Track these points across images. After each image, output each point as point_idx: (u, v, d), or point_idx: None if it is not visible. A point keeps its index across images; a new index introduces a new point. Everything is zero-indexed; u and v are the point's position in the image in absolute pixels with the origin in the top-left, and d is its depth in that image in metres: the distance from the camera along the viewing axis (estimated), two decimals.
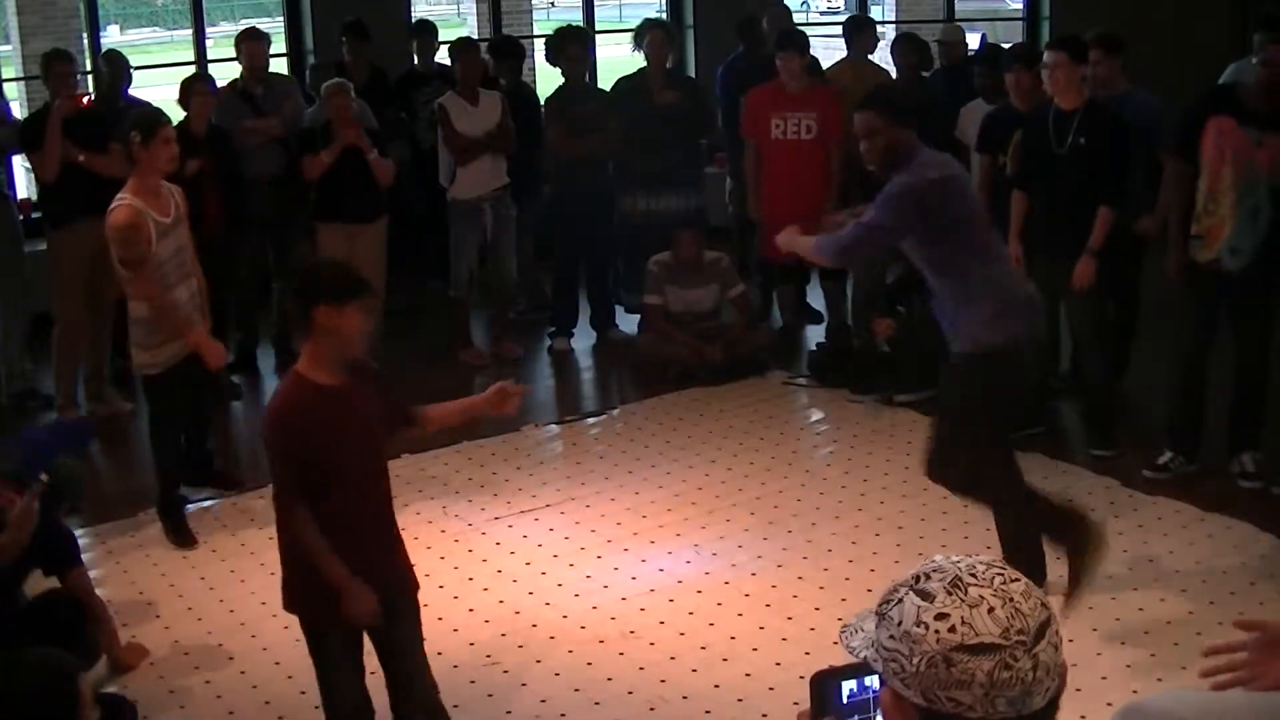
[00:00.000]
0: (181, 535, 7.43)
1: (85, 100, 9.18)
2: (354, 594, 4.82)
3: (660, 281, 9.92)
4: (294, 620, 5.83)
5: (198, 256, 7.60)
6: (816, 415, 9.12)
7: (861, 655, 2.16)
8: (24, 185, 11.21)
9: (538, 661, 6.15)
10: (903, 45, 10.96)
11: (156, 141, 7.23)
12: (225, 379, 8.70)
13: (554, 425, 9.17)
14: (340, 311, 4.76)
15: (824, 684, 2.25)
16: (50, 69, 9.27)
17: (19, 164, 10.75)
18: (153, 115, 7.67)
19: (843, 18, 16.71)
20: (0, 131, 9.51)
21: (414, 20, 12.78)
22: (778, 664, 6.03)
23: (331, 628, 4.96)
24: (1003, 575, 2.08)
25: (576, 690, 5.90)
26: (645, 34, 10.72)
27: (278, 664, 6.11)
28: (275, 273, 10.36)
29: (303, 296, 4.83)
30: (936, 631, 2.03)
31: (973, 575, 2.07)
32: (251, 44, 10.48)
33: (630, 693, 5.87)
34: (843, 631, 2.23)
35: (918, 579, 2.10)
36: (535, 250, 11.44)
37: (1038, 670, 2.03)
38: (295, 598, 5.05)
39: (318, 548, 4.81)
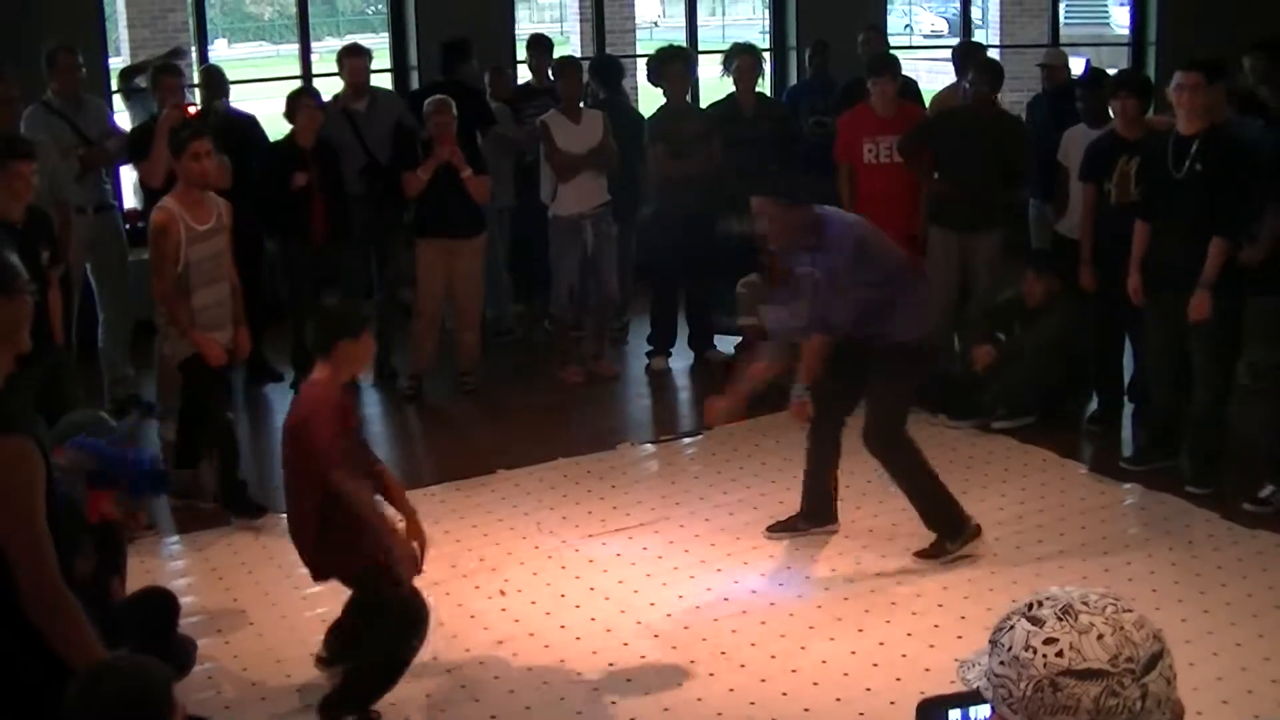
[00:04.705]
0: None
1: (192, 110, 9.31)
2: (401, 542, 5.73)
3: (752, 303, 9.88)
4: None
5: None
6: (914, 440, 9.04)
7: (975, 686, 2.15)
8: (130, 195, 11.37)
9: (628, 680, 6.14)
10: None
11: (185, 156, 7.64)
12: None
13: (649, 444, 9.17)
14: (358, 341, 5.77)
15: (929, 712, 2.25)
16: (158, 82, 9.45)
17: (125, 174, 10.91)
18: (186, 130, 7.90)
19: (947, 41, 16.67)
20: (109, 143, 9.65)
21: (528, 36, 12.86)
22: (868, 689, 5.98)
23: (367, 564, 5.69)
24: (1115, 605, 2.07)
25: (666, 710, 5.88)
26: (734, 59, 10.72)
27: None
28: (376, 286, 10.44)
29: (325, 334, 5.80)
30: (1044, 656, 2.04)
31: (1084, 603, 2.07)
32: (353, 59, 10.58)
33: (720, 715, 5.84)
34: (961, 665, 2.23)
35: (1030, 606, 2.11)
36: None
37: (1146, 700, 2.02)
38: (341, 562, 5.77)
39: (371, 509, 5.67)
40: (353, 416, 5.97)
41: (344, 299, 6.32)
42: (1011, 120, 10.29)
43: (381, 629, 5.74)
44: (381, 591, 5.71)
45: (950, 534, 7.23)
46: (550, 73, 11.31)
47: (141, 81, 11.49)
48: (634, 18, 17.86)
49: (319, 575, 5.93)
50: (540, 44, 12.20)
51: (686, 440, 9.25)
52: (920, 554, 7.22)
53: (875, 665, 6.20)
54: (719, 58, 11.23)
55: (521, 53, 12.58)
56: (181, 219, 7.59)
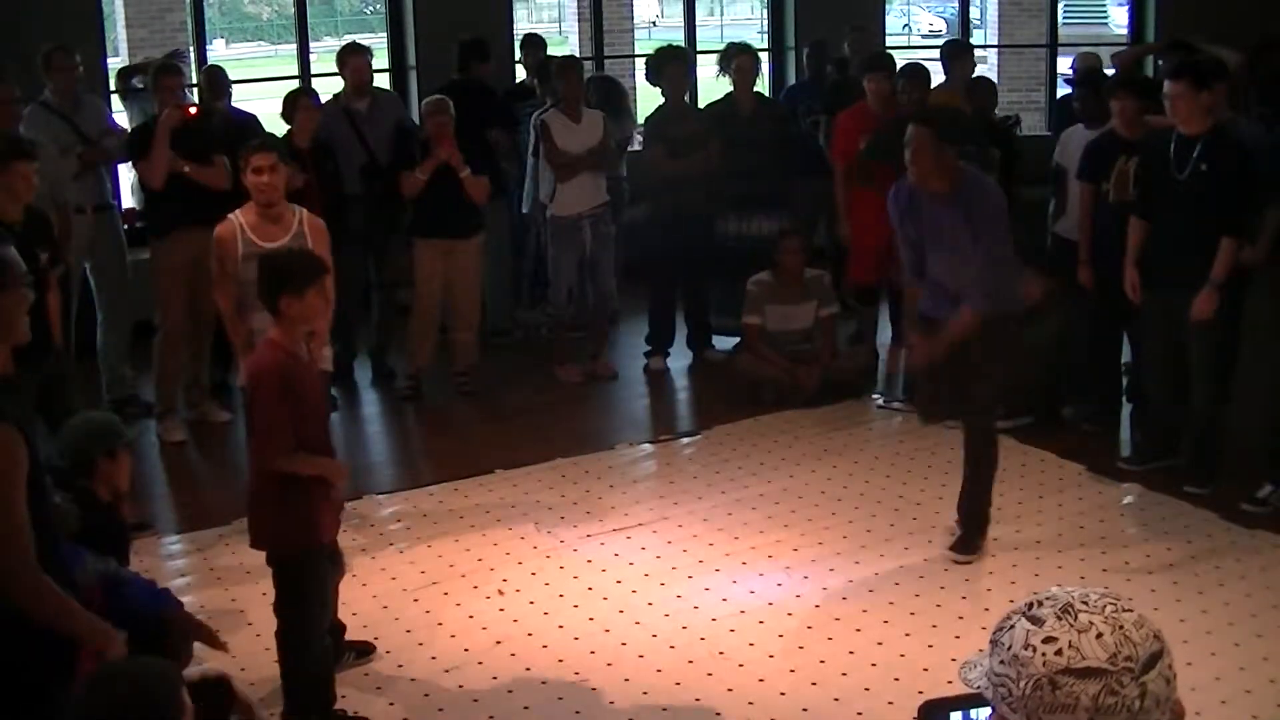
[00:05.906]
0: None
1: (192, 110, 9.29)
2: (341, 472, 5.81)
3: (759, 301, 9.87)
4: (389, 630, 5.97)
5: None
6: (911, 440, 9.03)
7: (976, 686, 2.16)
8: (128, 195, 11.35)
9: (625, 680, 6.14)
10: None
11: (247, 171, 7.36)
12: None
13: (648, 444, 9.17)
14: (301, 298, 5.45)
15: (932, 714, 2.26)
16: (159, 82, 9.42)
17: (123, 174, 10.89)
18: (250, 144, 7.59)
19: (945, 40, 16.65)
20: (107, 141, 9.64)
21: (522, 35, 12.88)
22: (866, 689, 5.98)
23: (310, 546, 5.64)
24: (1115, 604, 2.08)
25: (664, 709, 5.88)
26: (732, 59, 10.70)
27: (366, 675, 6.14)
28: (374, 286, 10.44)
29: (267, 288, 5.52)
30: (1044, 655, 2.05)
31: (1084, 602, 2.08)
32: (356, 59, 10.58)
33: (718, 714, 5.84)
34: (962, 666, 2.24)
35: (1030, 605, 2.12)
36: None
37: (1145, 699, 2.02)
38: (274, 532, 5.67)
39: (315, 463, 5.57)
40: (314, 385, 5.74)
41: (294, 250, 6.15)
42: (960, 114, 10.27)
43: (291, 617, 5.74)
44: (301, 583, 5.66)
45: (977, 533, 7.32)
46: (554, 74, 11.29)
47: (139, 82, 11.49)
48: (632, 17, 17.89)
49: (253, 541, 5.84)
50: (534, 43, 12.21)
51: (685, 440, 9.24)
52: (953, 548, 7.29)
53: (873, 665, 6.20)
54: (717, 57, 11.22)
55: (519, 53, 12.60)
56: (242, 233, 7.29)
